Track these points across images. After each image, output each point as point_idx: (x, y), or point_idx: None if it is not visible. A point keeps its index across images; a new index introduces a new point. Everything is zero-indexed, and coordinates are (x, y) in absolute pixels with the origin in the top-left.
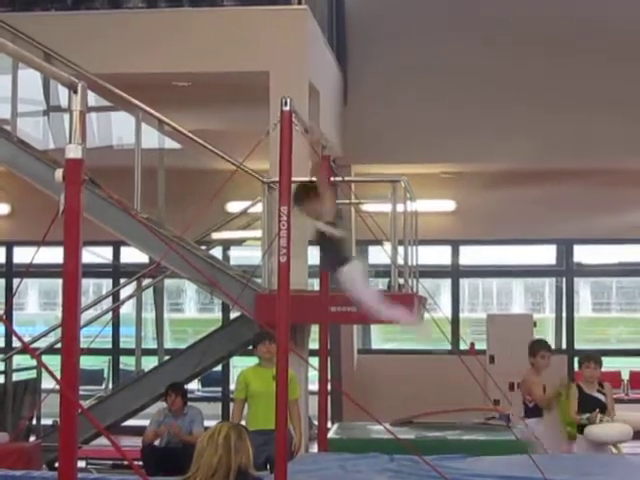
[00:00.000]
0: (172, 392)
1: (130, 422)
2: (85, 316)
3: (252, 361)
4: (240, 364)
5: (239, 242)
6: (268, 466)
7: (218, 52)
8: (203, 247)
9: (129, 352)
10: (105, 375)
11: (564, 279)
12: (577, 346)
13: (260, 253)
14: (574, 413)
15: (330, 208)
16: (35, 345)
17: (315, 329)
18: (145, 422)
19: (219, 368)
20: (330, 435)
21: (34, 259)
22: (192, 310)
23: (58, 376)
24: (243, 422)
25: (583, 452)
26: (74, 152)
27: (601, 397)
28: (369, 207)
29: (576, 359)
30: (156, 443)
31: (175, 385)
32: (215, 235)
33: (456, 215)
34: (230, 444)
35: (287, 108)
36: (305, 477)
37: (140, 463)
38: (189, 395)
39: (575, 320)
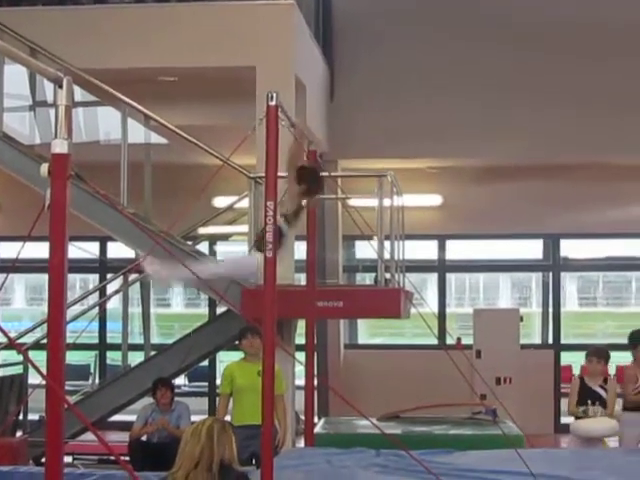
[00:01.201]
0: (162, 386)
1: (117, 417)
2: (71, 311)
3: (238, 356)
4: (227, 359)
5: (226, 237)
6: (254, 461)
7: (204, 47)
8: (190, 242)
9: (116, 347)
10: (92, 370)
11: (551, 274)
12: (564, 341)
13: (246, 248)
14: (573, 406)
15: (291, 197)
16: (21, 340)
17: (302, 324)
18: (132, 417)
19: (206, 363)
20: (317, 430)
21: (20, 254)
22: (179, 305)
23: (44, 371)
24: (228, 417)
25: (574, 447)
26: (60, 147)
27: (602, 392)
28: (356, 202)
29: (562, 354)
30: (144, 439)
31: (164, 379)
32: (202, 230)
33: (443, 210)
34: (212, 435)
35: (273, 103)
36: (291, 472)
37: (127, 458)
38: (176, 390)
39: (562, 315)
